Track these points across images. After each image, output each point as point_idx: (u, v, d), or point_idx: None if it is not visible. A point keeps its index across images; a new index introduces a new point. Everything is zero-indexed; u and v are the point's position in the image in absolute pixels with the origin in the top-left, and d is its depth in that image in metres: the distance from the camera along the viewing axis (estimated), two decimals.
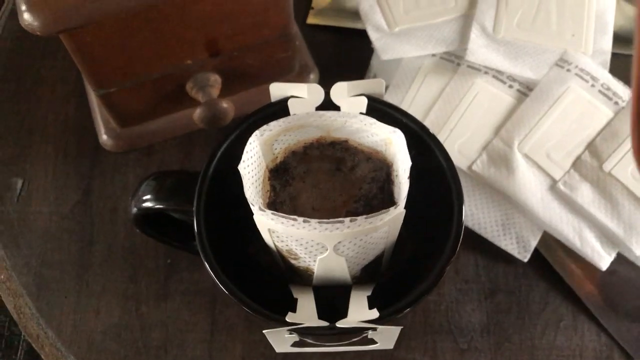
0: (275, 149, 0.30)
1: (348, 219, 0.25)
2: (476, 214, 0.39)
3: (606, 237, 0.38)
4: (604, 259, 0.38)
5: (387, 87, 0.43)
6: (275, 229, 0.26)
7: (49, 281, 0.39)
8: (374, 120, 0.28)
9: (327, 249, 0.26)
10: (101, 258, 0.39)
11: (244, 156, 0.27)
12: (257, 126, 0.29)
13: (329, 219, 0.25)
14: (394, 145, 0.28)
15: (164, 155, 0.43)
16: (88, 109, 0.44)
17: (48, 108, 0.44)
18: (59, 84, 0.45)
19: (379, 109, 0.31)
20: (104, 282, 0.39)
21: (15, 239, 0.40)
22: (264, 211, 0.25)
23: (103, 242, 0.40)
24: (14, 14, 0.48)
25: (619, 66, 0.43)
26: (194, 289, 0.38)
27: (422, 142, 0.31)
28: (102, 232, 0.40)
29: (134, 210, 0.32)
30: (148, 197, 0.31)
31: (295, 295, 0.29)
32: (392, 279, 0.32)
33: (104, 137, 0.42)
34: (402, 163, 0.27)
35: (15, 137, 0.43)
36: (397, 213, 0.26)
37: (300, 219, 0.25)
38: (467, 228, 0.39)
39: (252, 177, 0.28)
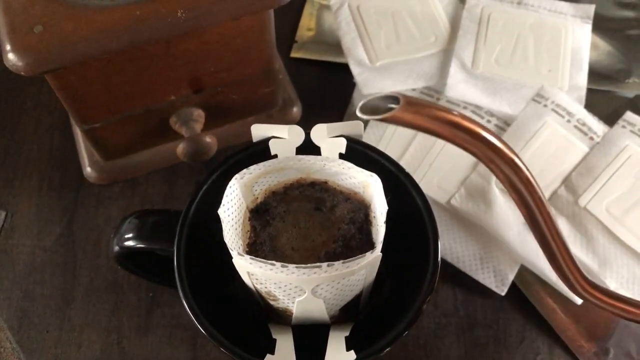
0: (256, 190, 0.30)
1: (325, 263, 0.25)
2: (455, 247, 0.40)
3: None
4: None
5: (368, 122, 0.44)
6: (254, 272, 0.27)
7: (30, 315, 0.39)
8: (351, 165, 0.29)
9: (305, 292, 0.27)
10: (83, 291, 0.40)
11: (224, 199, 0.28)
12: (238, 167, 0.29)
13: (308, 259, 0.25)
14: (371, 188, 0.29)
15: (147, 187, 0.43)
16: (72, 141, 0.44)
17: (32, 139, 0.45)
18: (44, 115, 0.46)
19: (358, 150, 0.32)
20: (85, 315, 0.39)
21: None
22: (243, 256, 0.26)
23: (85, 276, 0.40)
24: None
25: (594, 102, 0.44)
26: (175, 323, 0.38)
27: (399, 183, 0.32)
28: (85, 265, 0.40)
29: (116, 248, 0.32)
30: (130, 235, 0.32)
31: (274, 336, 0.29)
32: (370, 318, 0.32)
33: (88, 170, 0.42)
34: (379, 206, 0.28)
35: None
36: (373, 257, 0.26)
37: (278, 264, 0.25)
38: (446, 262, 0.39)
39: (232, 219, 0.28)
